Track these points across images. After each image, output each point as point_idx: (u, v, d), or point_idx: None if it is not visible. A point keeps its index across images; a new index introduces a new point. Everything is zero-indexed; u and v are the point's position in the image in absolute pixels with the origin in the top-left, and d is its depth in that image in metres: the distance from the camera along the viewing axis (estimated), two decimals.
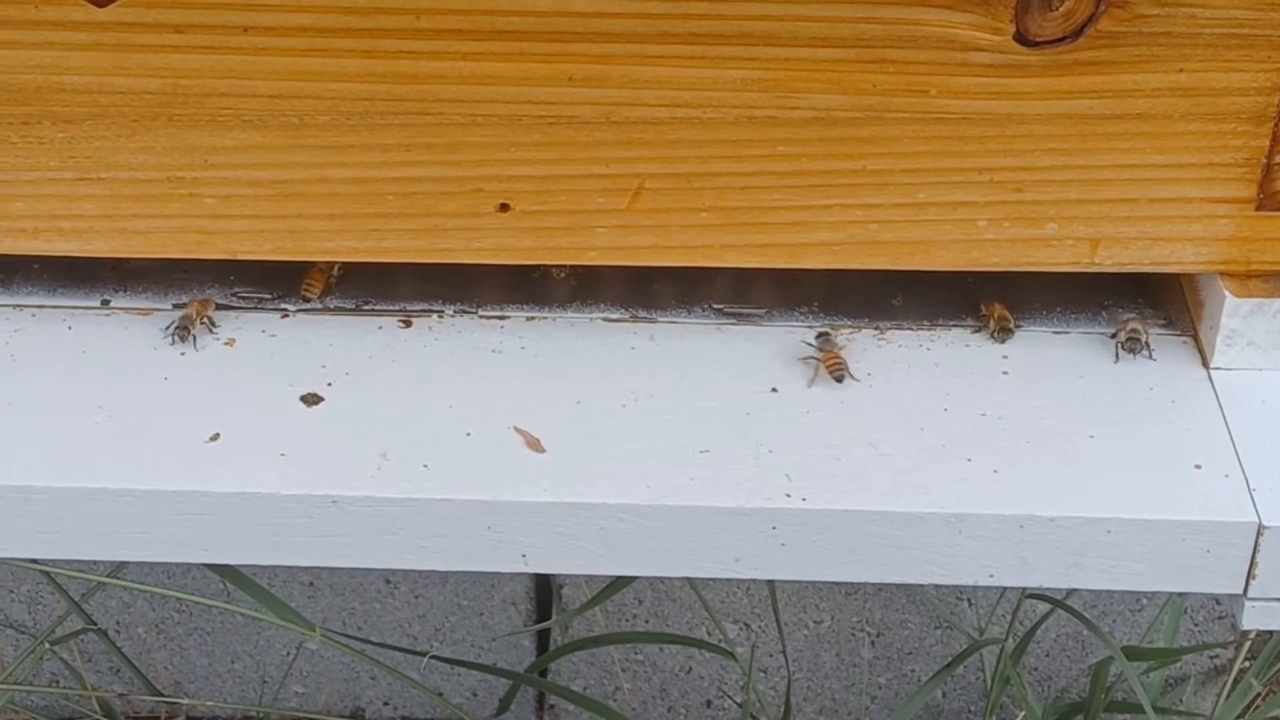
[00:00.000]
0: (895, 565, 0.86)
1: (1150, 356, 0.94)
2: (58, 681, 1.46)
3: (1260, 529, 0.85)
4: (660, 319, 0.96)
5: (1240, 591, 0.87)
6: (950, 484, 0.86)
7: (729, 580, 1.37)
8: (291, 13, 0.85)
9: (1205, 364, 0.94)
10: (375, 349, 0.94)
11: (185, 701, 1.45)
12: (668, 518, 0.85)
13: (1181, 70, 0.87)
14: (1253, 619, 0.88)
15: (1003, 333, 0.95)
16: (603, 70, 0.86)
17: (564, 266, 0.98)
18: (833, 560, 0.86)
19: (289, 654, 1.44)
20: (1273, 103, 0.87)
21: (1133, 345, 0.94)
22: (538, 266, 0.98)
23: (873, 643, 1.42)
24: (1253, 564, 0.86)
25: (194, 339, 0.93)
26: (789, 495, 0.85)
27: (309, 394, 0.90)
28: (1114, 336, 0.95)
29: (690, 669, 1.44)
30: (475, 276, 0.97)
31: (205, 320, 0.94)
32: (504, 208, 0.91)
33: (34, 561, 1.08)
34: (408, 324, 0.96)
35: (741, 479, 0.86)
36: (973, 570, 0.86)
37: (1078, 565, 0.86)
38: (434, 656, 1.26)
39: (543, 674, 1.42)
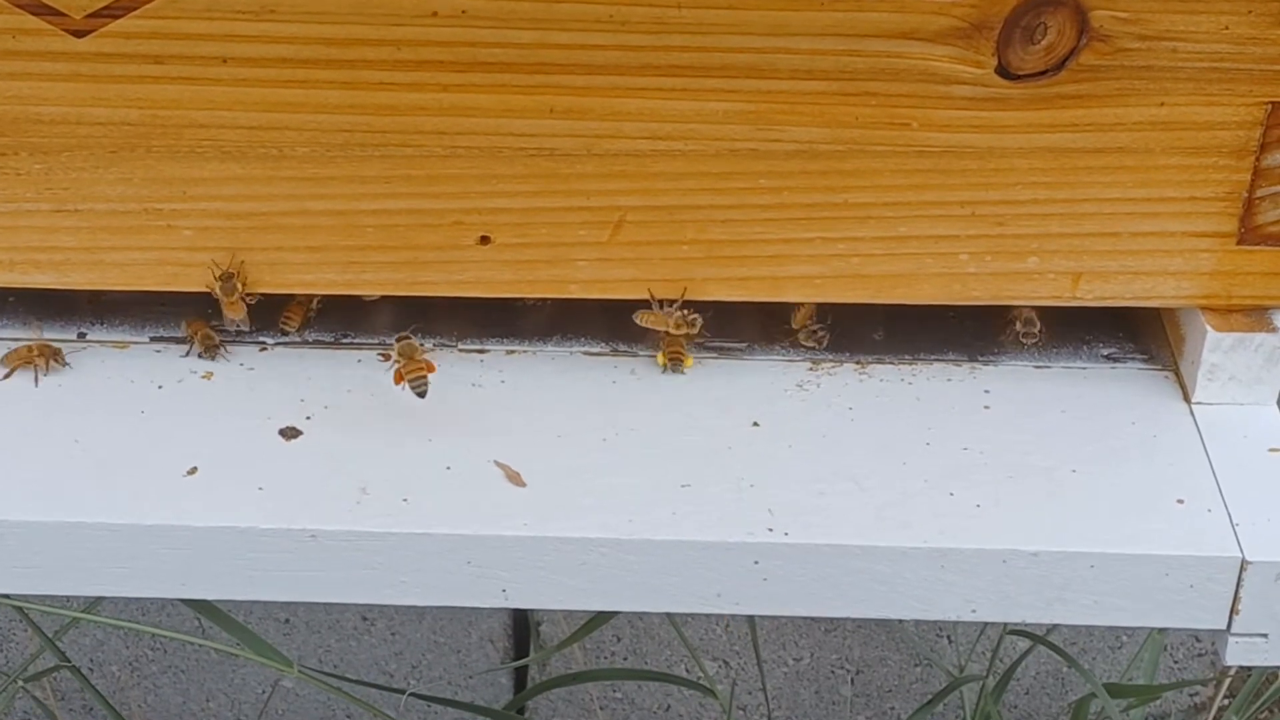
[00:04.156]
0: (878, 600, 0.86)
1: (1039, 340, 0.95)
2: None
3: (1243, 564, 0.84)
4: (641, 353, 0.96)
5: (1224, 627, 0.86)
6: (933, 519, 0.86)
7: (708, 617, 1.36)
8: (271, 44, 0.84)
9: (1187, 399, 0.94)
10: (354, 382, 0.93)
11: None
12: (649, 552, 0.85)
13: (1163, 104, 0.87)
14: (1236, 655, 0.88)
15: (1029, 334, 0.95)
16: (584, 102, 0.86)
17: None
18: (815, 595, 0.86)
19: (264, 692, 1.43)
20: (1254, 137, 0.88)
21: (1029, 334, 0.95)
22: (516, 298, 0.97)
23: (852, 680, 1.41)
24: (1236, 599, 0.85)
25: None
26: (771, 530, 0.85)
27: (287, 427, 0.90)
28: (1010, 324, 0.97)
29: (669, 706, 1.43)
30: (455, 309, 0.97)
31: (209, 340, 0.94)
32: (484, 240, 0.91)
33: (6, 597, 1.07)
34: (387, 357, 0.95)
35: (723, 513, 0.85)
36: (956, 605, 0.86)
37: (1061, 600, 0.86)
38: (412, 694, 1.25)
39: (521, 711, 1.41)
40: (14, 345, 0.93)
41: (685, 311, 0.93)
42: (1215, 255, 0.91)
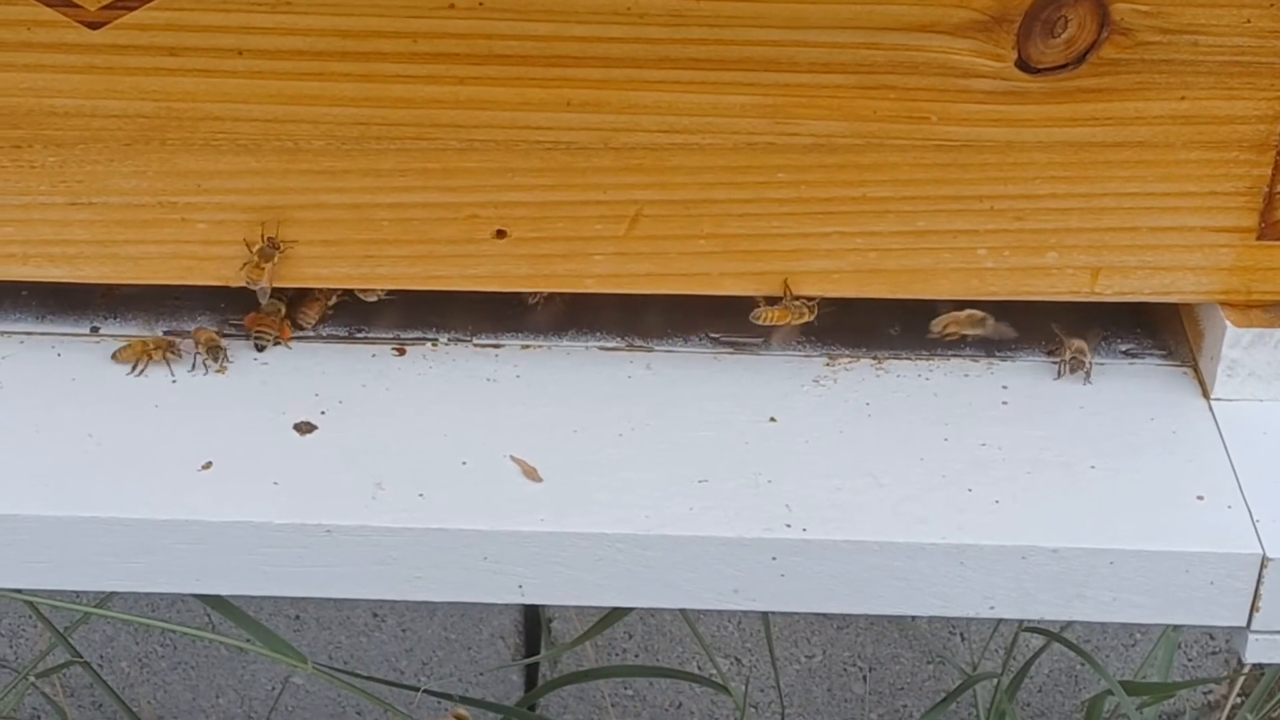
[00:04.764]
0: (896, 596, 0.86)
1: (1088, 380, 0.94)
2: (40, 717, 1.44)
3: (1264, 561, 0.84)
4: (657, 348, 0.96)
5: (1243, 624, 0.86)
6: (951, 514, 0.85)
7: (720, 614, 1.36)
8: (287, 36, 0.84)
9: (1206, 395, 0.94)
10: (369, 377, 0.93)
11: None
12: (666, 548, 0.84)
13: (1183, 98, 0.86)
14: (1256, 652, 0.87)
15: (1076, 365, 0.94)
16: (601, 95, 0.86)
17: (536, 293, 0.97)
18: (833, 591, 0.85)
19: (274, 688, 1.42)
20: (1275, 131, 0.87)
21: (1076, 366, 0.94)
22: (531, 293, 0.97)
23: (865, 678, 1.41)
24: (1256, 596, 0.85)
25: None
26: (789, 525, 0.84)
27: (302, 422, 0.89)
28: (1053, 354, 0.96)
29: (680, 704, 1.42)
30: (470, 304, 0.96)
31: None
32: (500, 234, 0.90)
33: (17, 591, 1.07)
34: (401, 352, 0.95)
35: (741, 509, 0.85)
36: (975, 602, 0.86)
37: (1080, 597, 0.85)
38: (425, 691, 1.25)
39: (532, 709, 1.40)
40: (125, 342, 0.93)
41: (803, 300, 0.93)
42: (1235, 250, 0.91)
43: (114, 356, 0.92)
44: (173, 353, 0.92)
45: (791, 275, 0.92)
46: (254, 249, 0.90)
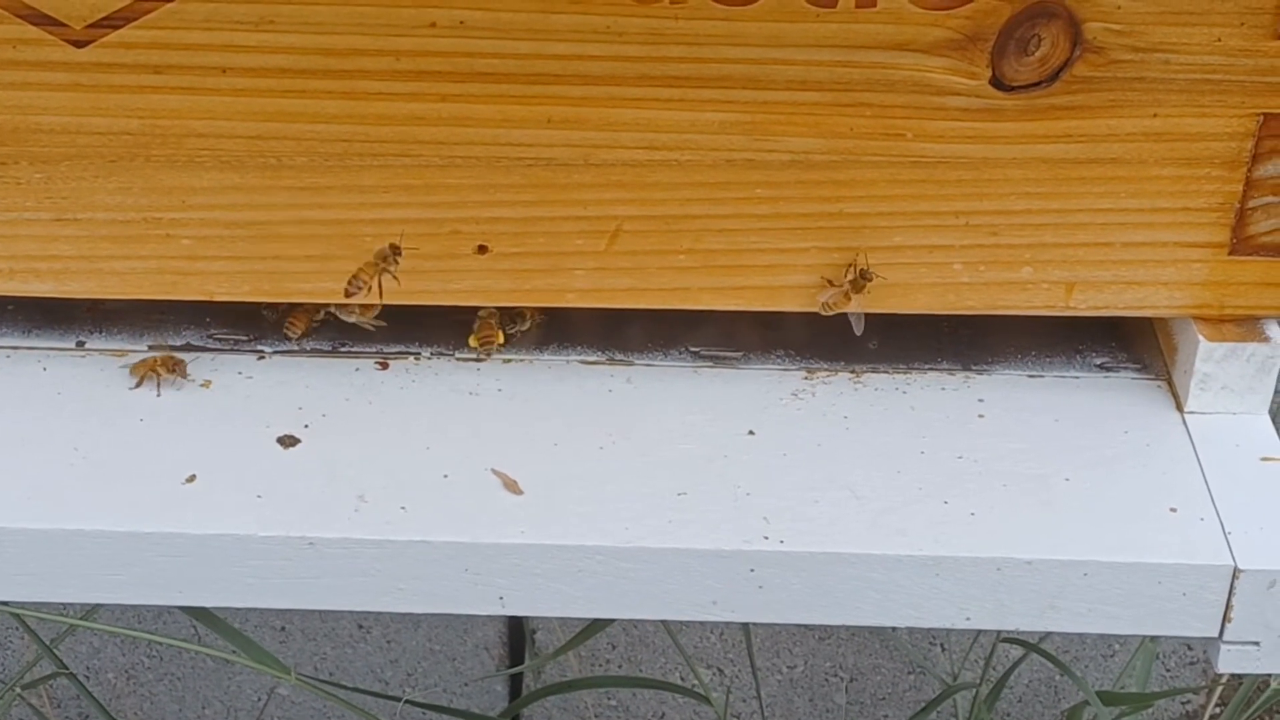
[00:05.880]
0: (873, 608, 0.86)
1: None
2: None
3: (1236, 572, 0.85)
4: (637, 361, 0.96)
5: (1216, 635, 0.87)
6: (928, 527, 0.86)
7: (703, 624, 1.37)
8: (270, 54, 0.85)
9: (1179, 408, 0.94)
10: (352, 391, 0.94)
11: None
12: (646, 560, 0.85)
13: (1155, 115, 0.87)
14: (1228, 662, 0.88)
15: None
16: (581, 112, 0.87)
17: (527, 316, 0.98)
18: (810, 602, 0.86)
19: (259, 700, 1.43)
20: (1246, 148, 0.88)
21: None
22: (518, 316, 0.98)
23: (846, 688, 1.41)
24: (1228, 607, 0.86)
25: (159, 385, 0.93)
26: (767, 538, 0.85)
27: (286, 436, 0.90)
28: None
29: (663, 714, 1.43)
30: (452, 318, 0.97)
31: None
32: (482, 249, 0.91)
33: (4, 604, 1.07)
34: (385, 366, 0.95)
35: (719, 521, 0.86)
36: (950, 613, 0.86)
37: (1054, 608, 0.86)
38: (408, 701, 1.25)
39: (516, 719, 1.41)
40: (141, 357, 0.94)
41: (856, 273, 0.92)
42: (1208, 265, 0.92)
43: (130, 370, 0.93)
44: (179, 373, 0.93)
45: (771, 289, 0.93)
46: (376, 252, 0.90)
